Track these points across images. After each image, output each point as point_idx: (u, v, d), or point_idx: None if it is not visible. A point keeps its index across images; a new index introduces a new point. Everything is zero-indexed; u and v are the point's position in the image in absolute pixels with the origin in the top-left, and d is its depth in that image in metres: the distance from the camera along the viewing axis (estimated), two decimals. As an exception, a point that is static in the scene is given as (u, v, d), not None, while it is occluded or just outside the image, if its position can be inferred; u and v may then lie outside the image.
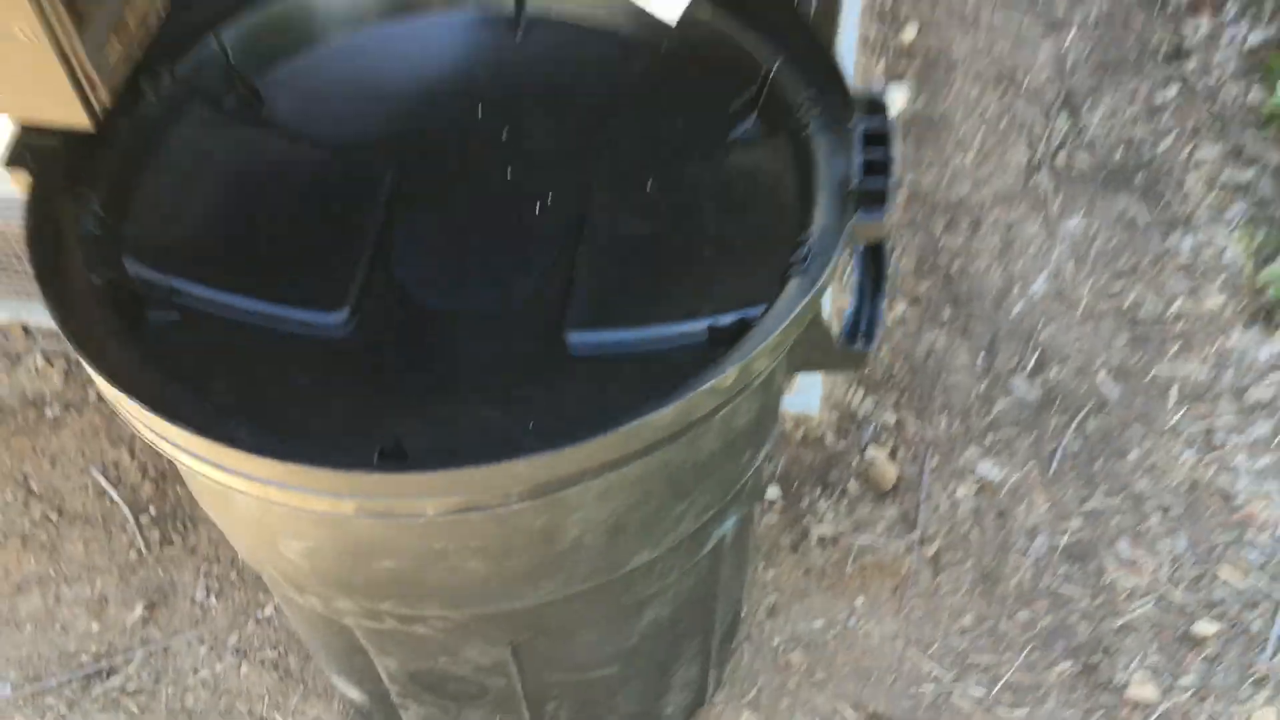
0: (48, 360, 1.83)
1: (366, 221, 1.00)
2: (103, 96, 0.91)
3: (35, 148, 0.97)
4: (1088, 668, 1.57)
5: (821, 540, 1.68)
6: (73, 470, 1.73)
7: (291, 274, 0.98)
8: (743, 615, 1.59)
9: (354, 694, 1.34)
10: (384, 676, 1.21)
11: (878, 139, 0.97)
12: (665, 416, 0.82)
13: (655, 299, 0.96)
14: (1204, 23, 2.35)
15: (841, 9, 1.32)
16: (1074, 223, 2.05)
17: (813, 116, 1.00)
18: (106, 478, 1.71)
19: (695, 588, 1.19)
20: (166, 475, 1.71)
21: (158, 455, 1.70)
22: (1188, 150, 2.14)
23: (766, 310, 0.88)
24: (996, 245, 2.02)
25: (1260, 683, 1.55)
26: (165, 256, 0.96)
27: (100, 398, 1.79)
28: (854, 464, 1.75)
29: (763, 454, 1.10)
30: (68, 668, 1.56)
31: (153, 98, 1.03)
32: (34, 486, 1.71)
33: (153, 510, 1.69)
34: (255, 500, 0.89)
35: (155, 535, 1.67)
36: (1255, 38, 2.29)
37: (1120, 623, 1.61)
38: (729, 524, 1.14)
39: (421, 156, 1.07)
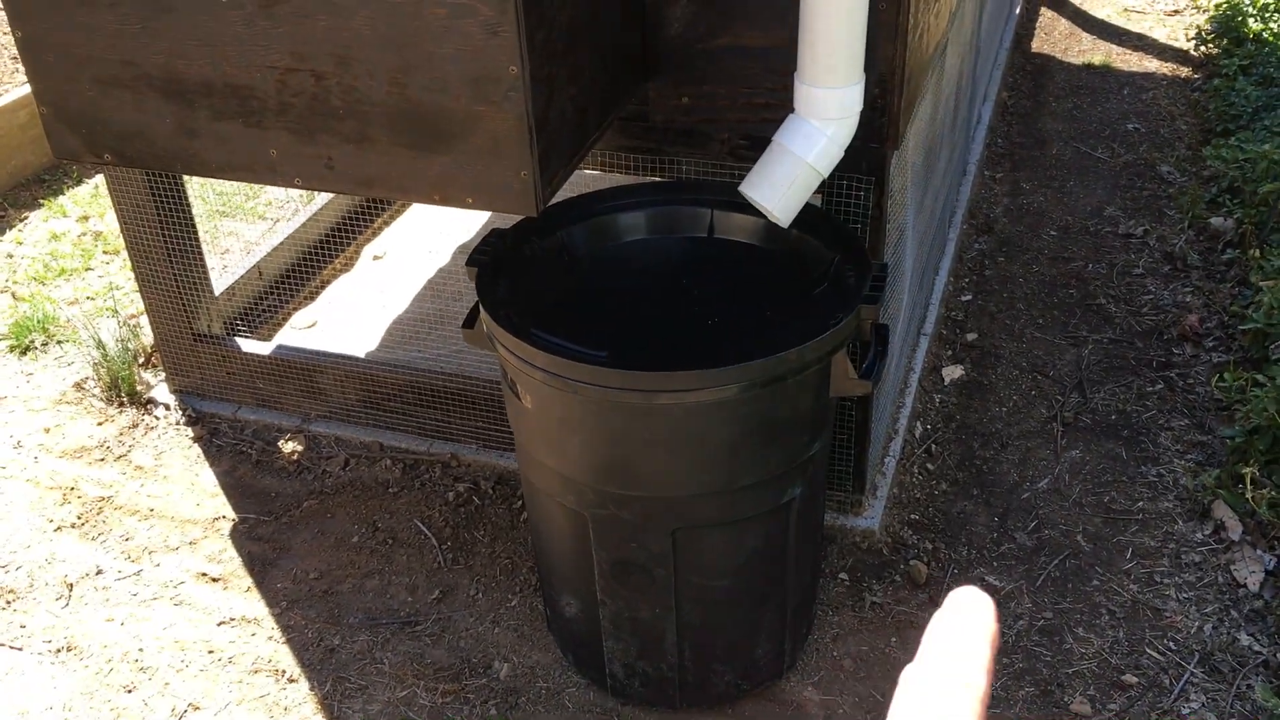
0: (393, 461, 2.93)
1: (623, 315, 2.10)
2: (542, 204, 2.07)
3: (477, 260, 2.13)
4: (1045, 693, 2.34)
5: (873, 605, 2.54)
6: (403, 520, 2.77)
7: (589, 334, 2.07)
8: (813, 633, 2.44)
9: (572, 606, 2.25)
10: (596, 571, 2.14)
11: (880, 278, 2.03)
12: (769, 364, 1.84)
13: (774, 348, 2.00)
14: (1189, 348, 3.35)
15: (885, 231, 2.38)
16: (1074, 453, 2.97)
17: (852, 277, 2.07)
18: (423, 524, 2.75)
19: (776, 535, 2.12)
20: (459, 526, 2.74)
21: (455, 512, 2.75)
22: (1163, 421, 3.07)
23: (819, 336, 1.91)
24: (1015, 459, 2.95)
25: (1164, 713, 2.28)
26: (532, 316, 2.07)
27: (422, 485, 2.86)
28: (900, 567, 2.63)
29: (815, 448, 2.07)
30: (394, 617, 2.53)
31: (528, 251, 2.19)
32: (379, 526, 2.76)
33: (449, 543, 2.70)
34: (557, 404, 1.92)
35: (450, 557, 2.67)
36: (1222, 359, 3.27)
37: (1071, 670, 2.38)
38: (797, 490, 2.09)
39: (654, 290, 2.18)
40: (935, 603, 2.53)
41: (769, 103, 2.23)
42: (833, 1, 1.94)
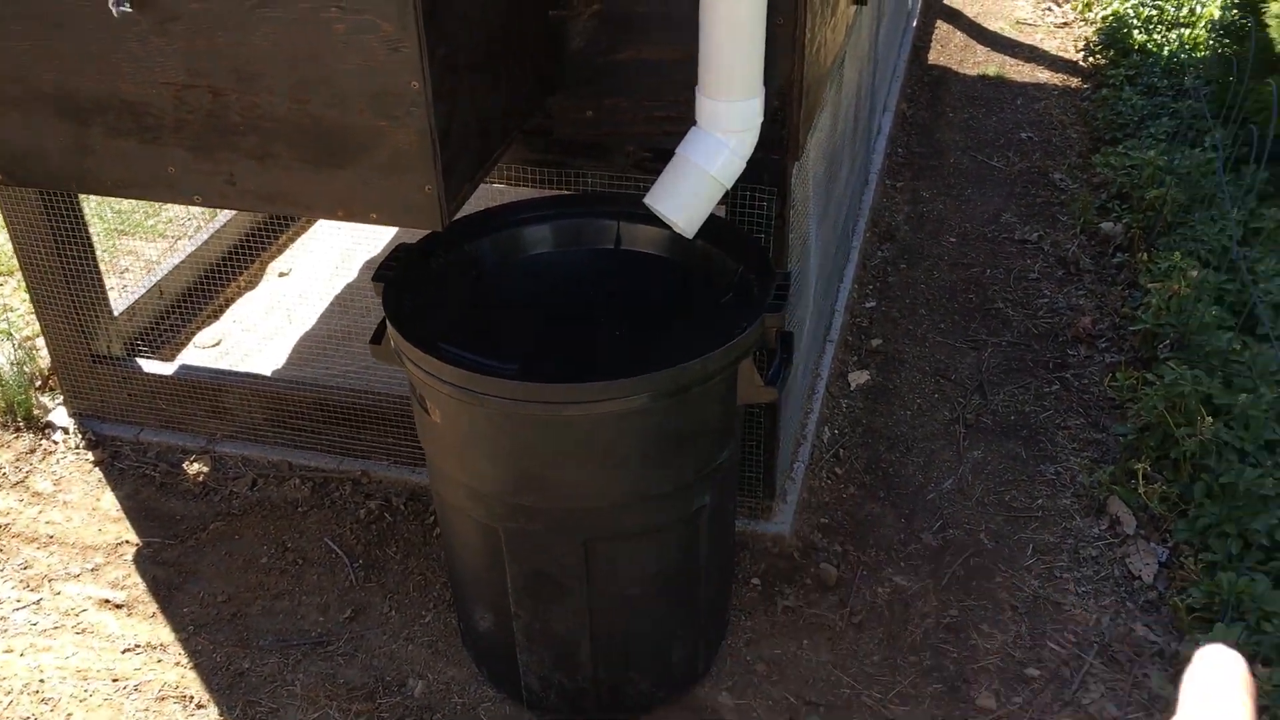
0: (302, 480, 2.89)
1: (531, 329, 2.11)
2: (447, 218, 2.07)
3: (383, 276, 2.12)
4: (952, 689, 2.40)
5: (785, 609, 2.58)
6: (313, 539, 2.74)
7: (498, 347, 2.08)
8: (727, 638, 2.47)
9: (485, 620, 2.25)
10: (509, 584, 2.14)
11: (783, 287, 2.07)
12: (675, 373, 1.86)
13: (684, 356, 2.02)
14: (1083, 350, 3.46)
15: (788, 240, 2.42)
16: (976, 454, 3.05)
17: (756, 286, 2.11)
18: (334, 542, 2.72)
19: (687, 543, 2.14)
20: (371, 543, 2.71)
21: (366, 530, 2.73)
22: (1060, 420, 3.17)
23: (724, 345, 1.94)
24: (921, 461, 3.02)
25: (1066, 704, 2.35)
26: (440, 330, 2.07)
27: (332, 504, 2.83)
28: (811, 570, 2.67)
29: (724, 455, 2.10)
30: (305, 638, 2.49)
31: (435, 265, 2.19)
32: (289, 546, 2.72)
33: (361, 561, 2.67)
34: (465, 418, 1.92)
35: (362, 575, 2.64)
36: (1114, 359, 3.38)
37: (976, 666, 2.44)
38: (707, 498, 2.12)
39: (562, 304, 2.19)
40: (845, 605, 2.59)
41: (672, 115, 2.26)
42: (730, 17, 1.98)
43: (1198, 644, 2.24)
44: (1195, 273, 3.19)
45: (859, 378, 3.33)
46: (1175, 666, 2.40)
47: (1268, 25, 4.13)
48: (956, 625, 2.54)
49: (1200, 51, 4.98)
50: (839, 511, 2.85)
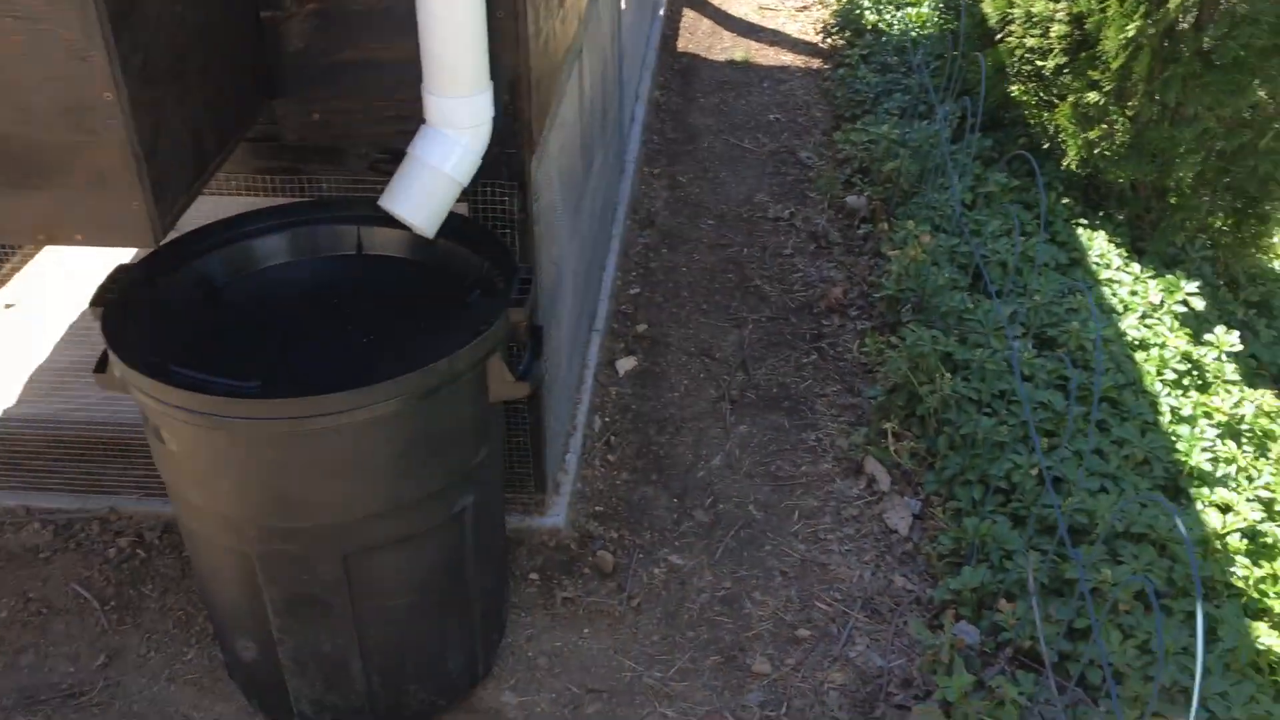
0: (42, 524, 2.70)
1: (271, 344, 2.03)
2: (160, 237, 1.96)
3: (103, 300, 2.00)
4: (729, 658, 2.46)
5: (564, 600, 2.58)
6: (58, 586, 2.56)
7: (237, 366, 1.99)
8: (506, 637, 2.46)
9: (249, 650, 2.16)
10: (269, 610, 2.06)
11: (526, 281, 2.06)
12: (421, 376, 1.82)
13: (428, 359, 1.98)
14: (837, 319, 3.60)
15: (534, 234, 2.40)
16: (743, 428, 3.14)
17: (501, 282, 2.10)
18: (82, 586, 2.55)
19: (453, 546, 2.11)
20: (124, 583, 2.56)
21: (118, 570, 2.58)
22: (819, 389, 3.29)
23: (469, 344, 1.92)
24: (690, 441, 3.09)
25: (834, 659, 2.45)
26: (171, 352, 1.97)
27: (78, 546, 2.65)
28: (588, 560, 2.69)
29: (482, 454, 2.08)
30: (55, 691, 2.33)
31: (161, 284, 2.08)
32: (31, 596, 2.54)
33: (114, 603, 2.52)
34: (205, 443, 1.83)
35: (115, 618, 2.49)
36: (865, 325, 3.54)
37: (751, 634, 2.52)
38: (469, 499, 2.09)
39: (303, 315, 2.12)
40: (623, 589, 2.62)
41: (403, 114, 2.21)
42: (449, 13, 1.96)
43: (949, 589, 2.38)
44: (928, 238, 3.38)
45: (627, 364, 3.37)
46: (931, 612, 2.54)
47: (982, 1, 4.41)
48: (731, 597, 2.61)
49: (928, 29, 5.28)
50: (613, 498, 2.88)
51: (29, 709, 2.28)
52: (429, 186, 2.10)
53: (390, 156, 2.27)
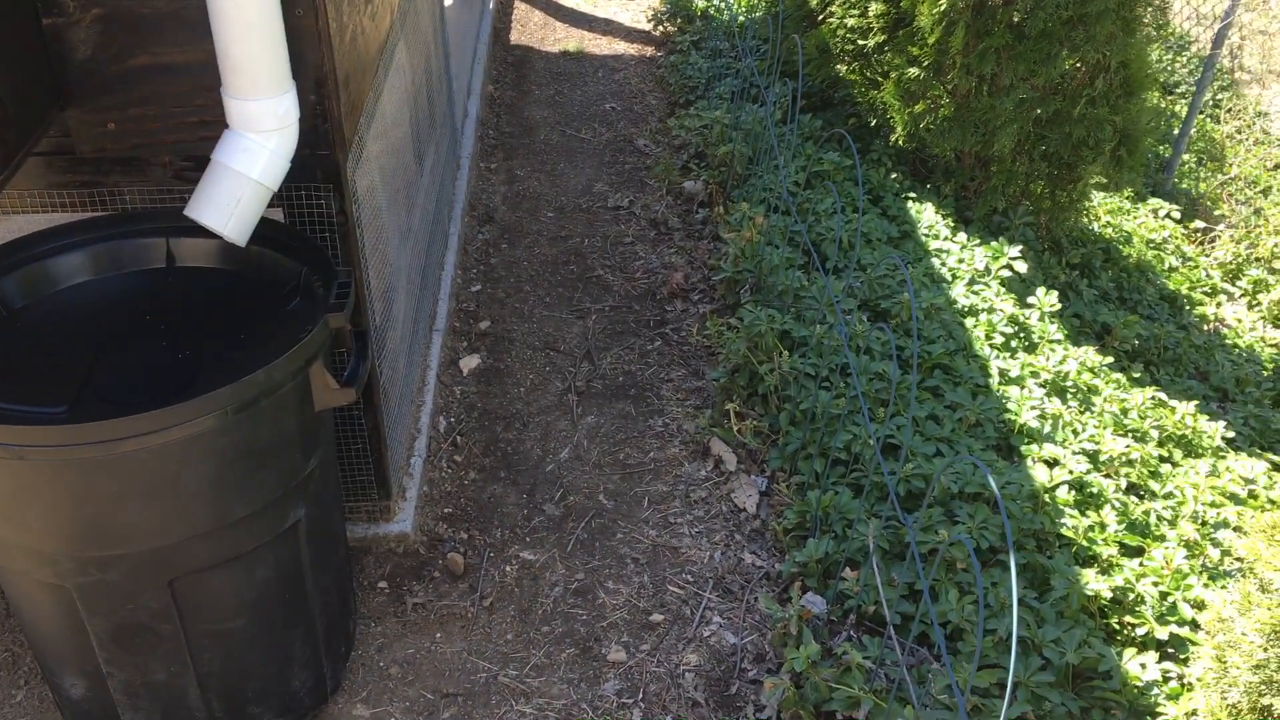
0: None
1: (78, 365, 1.94)
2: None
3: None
4: (585, 650, 2.46)
5: (415, 606, 2.54)
6: None
7: (38, 391, 1.89)
8: (356, 649, 2.40)
9: (77, 686, 2.06)
10: (95, 644, 1.97)
11: (345, 285, 2.01)
12: (236, 389, 1.76)
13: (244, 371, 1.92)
14: (679, 304, 3.63)
15: (356, 237, 2.35)
16: (590, 419, 3.14)
17: (321, 287, 2.04)
18: (-104, 637, 2.40)
19: (287, 561, 2.05)
20: (-57, 629, 2.42)
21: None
22: (664, 375, 3.31)
23: (286, 353, 1.86)
24: (538, 435, 3.07)
25: (689, 641, 2.47)
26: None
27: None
28: (439, 563, 2.65)
29: (311, 464, 2.03)
30: None
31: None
32: None
33: (-68, 651, 2.38)
34: (7, 475, 1.74)
35: (-66, 666, 2.35)
36: (706, 308, 3.57)
37: (606, 623, 2.52)
38: (301, 511, 2.03)
39: (113, 334, 2.02)
40: (475, 590, 2.59)
41: (205, 119, 2.13)
42: (242, 13, 1.89)
43: (795, 561, 2.42)
44: (763, 219, 3.43)
45: (470, 362, 3.33)
46: (780, 585, 2.58)
47: (803, -16, 4.49)
48: (584, 588, 2.61)
49: (756, 13, 5.35)
50: (462, 498, 2.84)
51: None
52: (236, 193, 2.03)
53: (196, 164, 2.19)
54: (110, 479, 1.79)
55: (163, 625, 1.95)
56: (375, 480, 2.62)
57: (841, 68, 4.25)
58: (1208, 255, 5.03)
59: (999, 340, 3.24)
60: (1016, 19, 3.66)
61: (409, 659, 2.41)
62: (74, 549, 1.85)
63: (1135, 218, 4.89)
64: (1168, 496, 2.70)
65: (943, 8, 3.59)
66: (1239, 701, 1.97)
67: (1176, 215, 4.97)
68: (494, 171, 4.42)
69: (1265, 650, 1.92)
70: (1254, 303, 4.73)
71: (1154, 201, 5.06)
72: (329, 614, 2.23)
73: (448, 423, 3.10)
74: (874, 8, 3.93)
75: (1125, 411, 3.06)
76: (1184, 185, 5.62)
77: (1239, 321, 4.54)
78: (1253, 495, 2.75)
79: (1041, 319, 3.34)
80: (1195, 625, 2.31)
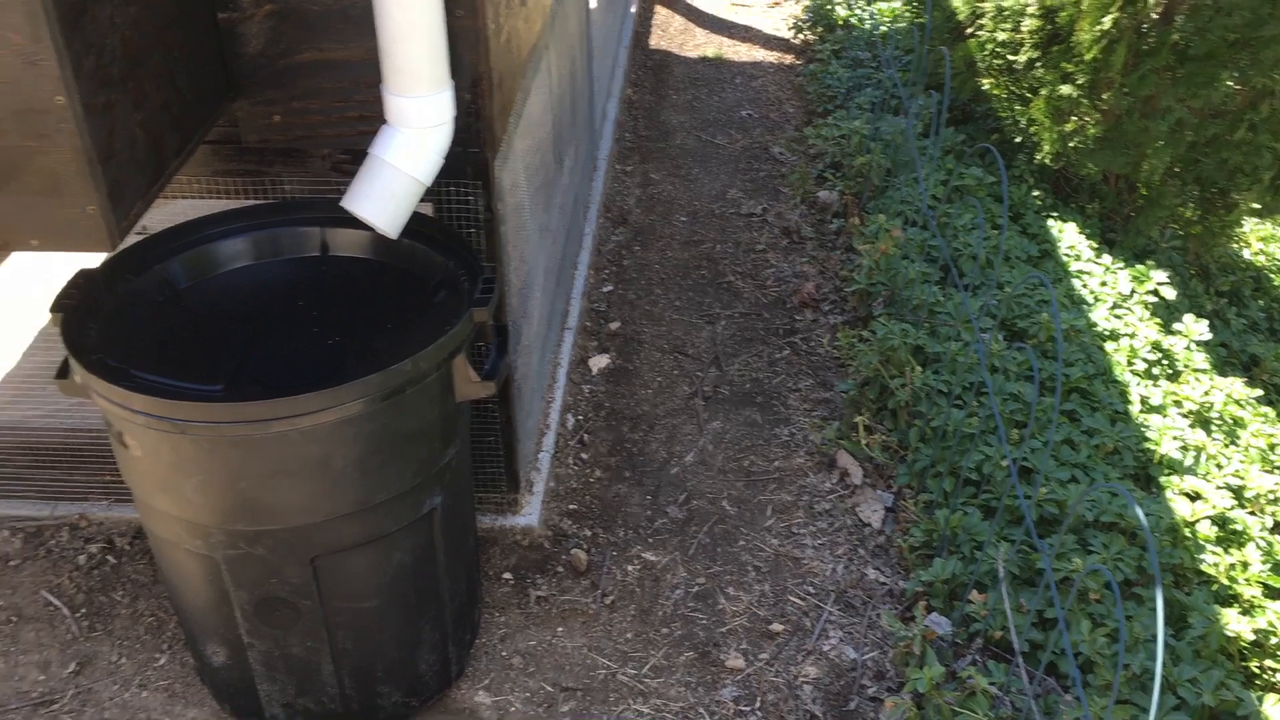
0: (11, 532, 2.68)
1: (235, 346, 2.02)
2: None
3: (62, 305, 1.98)
4: (703, 654, 2.46)
5: (538, 599, 2.58)
6: (27, 594, 2.55)
7: (200, 370, 1.98)
8: (480, 637, 2.45)
9: (219, 655, 2.15)
10: (239, 615, 2.05)
11: (490, 280, 2.06)
12: (385, 377, 1.82)
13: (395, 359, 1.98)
14: (809, 314, 3.61)
15: (500, 233, 2.40)
16: (716, 424, 3.14)
17: (466, 281, 2.09)
18: (52, 594, 2.54)
19: (422, 547, 2.11)
20: (94, 590, 2.55)
21: (88, 576, 2.56)
22: (791, 384, 3.30)
23: (433, 345, 1.91)
24: (664, 437, 3.09)
25: (809, 653, 2.46)
26: (134, 357, 1.95)
27: (47, 553, 2.64)
28: (561, 558, 2.68)
29: (449, 454, 2.08)
30: (25, 700, 2.31)
31: (122, 289, 2.06)
32: (0, 604, 2.52)
33: (84, 610, 2.51)
34: (169, 448, 1.82)
35: (86, 625, 2.47)
36: (837, 320, 3.55)
37: (725, 629, 2.52)
38: (437, 499, 2.09)
39: (268, 317, 2.11)
40: (597, 587, 2.61)
41: (364, 115, 2.21)
42: (407, 12, 1.95)
43: (920, 580, 2.38)
44: (899, 232, 3.39)
45: (599, 361, 3.37)
46: (903, 604, 2.54)
47: (950, -4, 4.42)
48: (705, 593, 2.61)
49: (898, 24, 5.29)
50: (587, 496, 2.88)
51: (-2, 718, 2.27)
52: (391, 187, 2.09)
53: (353, 157, 2.26)
54: (262, 457, 1.86)
55: (303, 601, 2.02)
56: (505, 473, 2.67)
57: (986, 82, 4.17)
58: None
59: (1141, 367, 3.14)
60: (1178, 39, 3.54)
61: (530, 650, 2.45)
62: (225, 522, 1.93)
63: (1290, 246, 4.68)
64: (1319, 539, 2.58)
65: (1105, 26, 3.49)
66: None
67: (1336, 245, 4.74)
68: (629, 174, 4.46)
69: None
70: None
71: (1312, 230, 4.84)
72: (457, 601, 2.29)
73: (575, 420, 3.14)
74: (1027, 23, 3.85)
75: (1273, 448, 2.93)
76: (1345, 214, 5.36)
77: (1400, 359, 4.30)
78: None
79: (1188, 347, 3.23)
80: (1345, 675, 2.21)
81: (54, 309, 1.98)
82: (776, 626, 2.52)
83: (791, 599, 2.59)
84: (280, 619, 2.06)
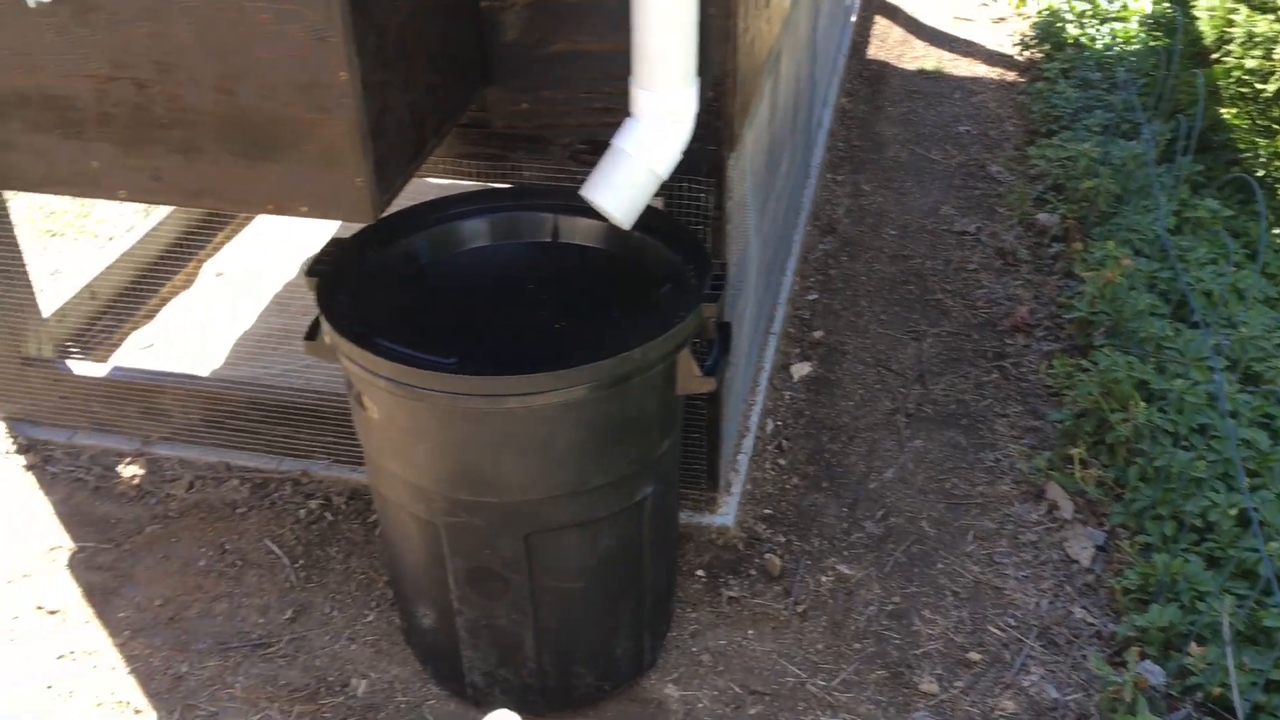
0: (241, 481, 2.85)
1: (469, 323, 2.09)
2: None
3: (317, 271, 2.09)
4: (895, 674, 2.41)
5: (730, 599, 2.58)
6: (253, 541, 2.70)
7: (435, 341, 2.05)
8: (672, 630, 2.47)
9: (428, 617, 2.23)
10: (451, 580, 2.12)
11: (720, 277, 2.07)
12: (614, 363, 1.85)
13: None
14: (1021, 338, 3.50)
15: (726, 231, 2.41)
16: (918, 443, 3.08)
17: (694, 276, 2.11)
18: (274, 543, 2.68)
19: (630, 534, 2.14)
20: (312, 543, 2.68)
21: (307, 530, 2.70)
22: (999, 409, 3.20)
23: (663, 336, 1.93)
24: (863, 451, 3.04)
25: (1006, 686, 2.38)
26: (376, 325, 2.04)
27: (271, 504, 2.79)
28: (755, 561, 2.68)
29: (665, 445, 2.10)
30: (245, 640, 2.46)
31: (370, 260, 2.16)
32: (228, 548, 2.68)
33: (302, 561, 2.64)
34: (405, 413, 1.90)
35: (302, 575, 2.61)
36: (1051, 347, 3.43)
37: (919, 652, 2.46)
38: (649, 489, 2.11)
39: (499, 297, 2.17)
40: (789, 594, 2.60)
41: (608, 107, 2.25)
42: (663, 8, 1.98)
43: (1134, 625, 2.28)
44: (1128, 261, 3.24)
45: (801, 369, 3.35)
46: (1112, 647, 2.44)
47: (1197, 18, 4.21)
48: (899, 612, 2.56)
49: (1133, 45, 5.07)
50: (783, 502, 2.86)
51: (222, 654, 2.41)
52: (630, 178, 2.13)
53: (591, 147, 2.31)
54: (491, 431, 1.92)
55: (513, 575, 2.08)
56: (706, 471, 2.68)
57: (1227, 111, 3.96)
58: None
59: (1389, 423, 2.92)
60: None
61: (720, 650, 2.46)
62: (449, 490, 2.00)
63: None
64: None
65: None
66: None
67: None
68: (840, 183, 4.41)
69: None
70: None
71: None
72: (657, 591, 2.31)
73: (774, 425, 3.12)
74: (1281, 48, 3.63)
75: None
76: None
77: None
78: None
79: None
80: None
81: (309, 273, 2.09)
82: (974, 655, 2.45)
83: (991, 629, 2.51)
84: (490, 589, 2.12)
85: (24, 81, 1.83)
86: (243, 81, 1.75)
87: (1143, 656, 2.33)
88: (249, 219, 3.82)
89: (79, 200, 3.75)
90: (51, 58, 1.80)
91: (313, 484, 2.83)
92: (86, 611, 2.52)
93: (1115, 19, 5.31)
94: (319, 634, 2.46)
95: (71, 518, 2.76)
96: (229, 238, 3.78)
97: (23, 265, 2.83)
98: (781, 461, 3.00)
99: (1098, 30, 5.22)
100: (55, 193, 1.99)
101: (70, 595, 2.55)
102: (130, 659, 2.40)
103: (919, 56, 5.58)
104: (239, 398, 2.84)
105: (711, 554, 2.69)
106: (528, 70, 2.26)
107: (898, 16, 6.06)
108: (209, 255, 3.70)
